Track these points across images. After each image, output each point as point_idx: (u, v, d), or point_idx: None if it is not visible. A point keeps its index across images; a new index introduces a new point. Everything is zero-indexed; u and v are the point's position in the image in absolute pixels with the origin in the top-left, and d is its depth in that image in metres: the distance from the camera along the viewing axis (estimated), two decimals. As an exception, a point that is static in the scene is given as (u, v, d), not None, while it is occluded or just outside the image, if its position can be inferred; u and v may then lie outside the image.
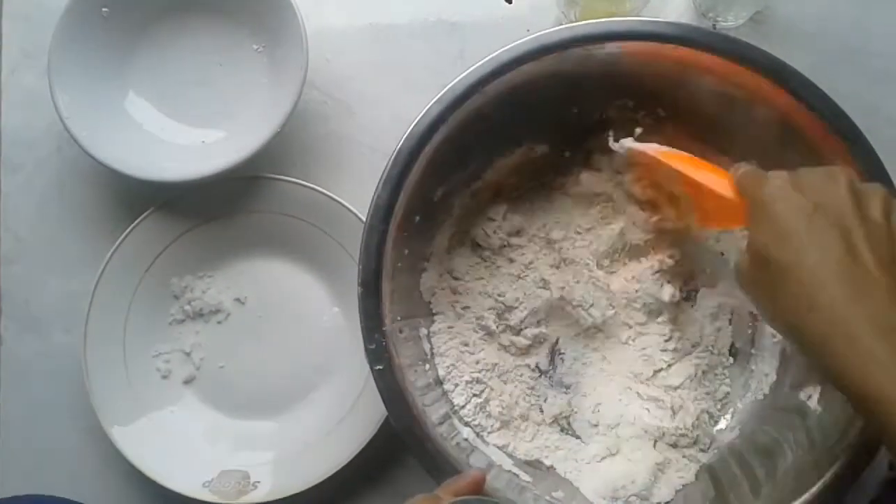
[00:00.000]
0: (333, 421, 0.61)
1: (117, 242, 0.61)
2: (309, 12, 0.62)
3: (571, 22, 0.63)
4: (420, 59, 0.67)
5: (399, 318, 0.54)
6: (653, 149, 0.55)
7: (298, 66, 0.60)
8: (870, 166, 0.50)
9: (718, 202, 0.48)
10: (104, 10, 0.62)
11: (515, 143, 0.60)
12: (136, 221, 0.62)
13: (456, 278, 0.60)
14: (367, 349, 0.51)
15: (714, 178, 0.50)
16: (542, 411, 0.60)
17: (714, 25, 0.66)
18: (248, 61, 0.65)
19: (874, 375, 0.37)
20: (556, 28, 0.52)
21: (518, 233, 0.61)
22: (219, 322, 0.64)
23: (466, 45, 0.67)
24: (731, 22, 0.65)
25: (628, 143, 0.56)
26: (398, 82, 0.67)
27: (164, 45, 0.65)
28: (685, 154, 0.53)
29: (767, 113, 0.53)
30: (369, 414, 0.59)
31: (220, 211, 0.63)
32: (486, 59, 0.51)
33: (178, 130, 0.64)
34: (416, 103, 0.52)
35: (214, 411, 0.63)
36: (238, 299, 0.64)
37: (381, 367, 0.51)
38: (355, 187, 0.63)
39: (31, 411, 0.65)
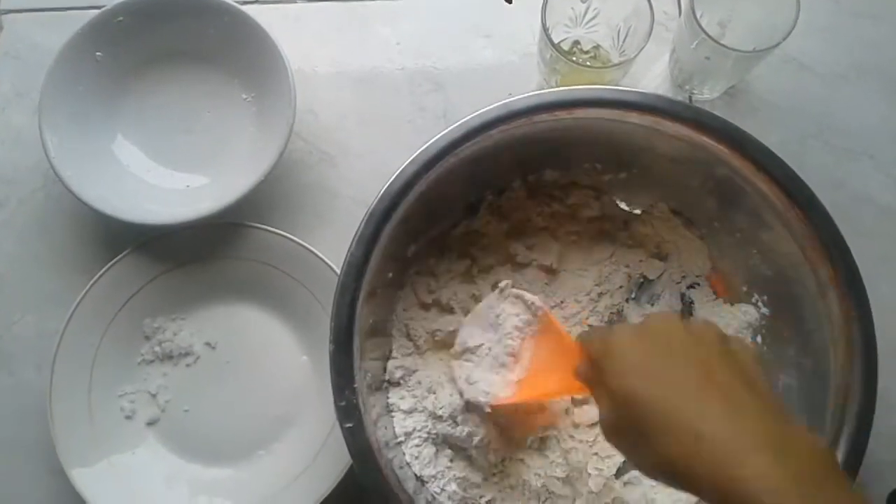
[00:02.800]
0: (294, 473, 0.60)
1: (91, 281, 0.62)
2: (298, 64, 0.64)
3: (552, 87, 0.65)
4: (404, 114, 0.69)
5: (369, 374, 0.54)
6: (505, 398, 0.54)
7: (285, 117, 0.62)
8: (826, 231, 0.52)
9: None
10: (98, 54, 0.64)
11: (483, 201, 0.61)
12: (113, 261, 0.62)
13: (417, 345, 0.61)
14: (337, 406, 0.51)
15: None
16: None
17: (690, 97, 0.68)
18: (237, 110, 0.66)
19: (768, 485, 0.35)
20: (526, 95, 0.53)
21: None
22: (187, 365, 0.64)
23: (450, 104, 0.69)
24: (706, 95, 0.67)
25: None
26: (382, 136, 0.69)
27: (155, 91, 0.66)
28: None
29: (726, 177, 0.55)
30: (331, 466, 0.58)
31: (198, 255, 0.63)
32: (458, 122, 0.53)
33: (163, 174, 0.66)
34: (398, 158, 0.53)
35: (175, 456, 0.62)
36: (209, 343, 0.64)
37: (350, 425, 0.50)
38: (335, 237, 0.64)
39: (-5, 449, 0.64)
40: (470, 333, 0.57)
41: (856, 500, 0.36)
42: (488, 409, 0.54)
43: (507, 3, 0.71)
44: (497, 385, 0.55)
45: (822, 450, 0.37)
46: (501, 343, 0.55)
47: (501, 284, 0.56)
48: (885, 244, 0.65)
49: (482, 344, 0.56)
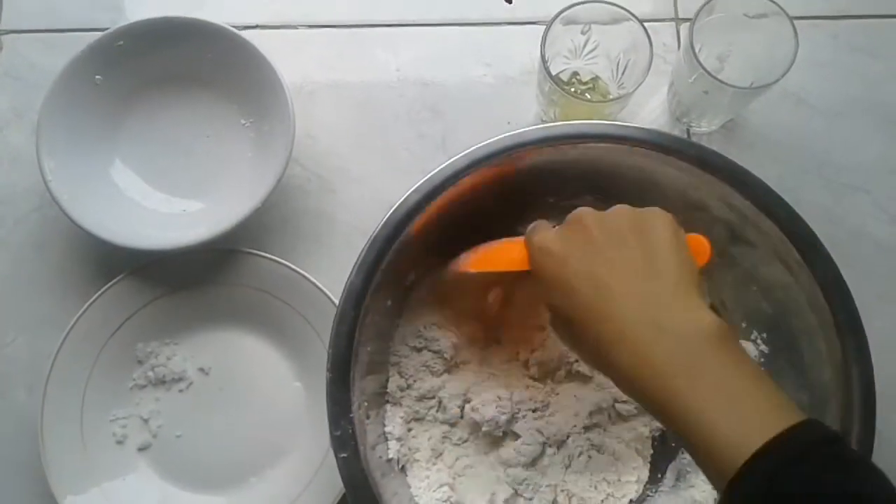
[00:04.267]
0: (288, 499, 0.59)
1: (86, 305, 0.61)
2: (297, 89, 0.64)
3: (551, 120, 0.65)
4: (403, 142, 0.69)
5: (366, 403, 0.54)
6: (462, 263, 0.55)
7: (284, 143, 0.62)
8: (828, 275, 0.52)
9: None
10: (97, 77, 0.64)
11: (489, 231, 0.61)
12: (108, 285, 0.62)
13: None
14: (332, 435, 0.50)
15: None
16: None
17: (688, 131, 0.68)
18: (235, 135, 0.66)
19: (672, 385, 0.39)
20: (532, 128, 0.54)
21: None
22: (180, 391, 0.63)
23: (449, 132, 0.69)
24: (704, 128, 0.68)
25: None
26: (381, 163, 0.69)
27: (153, 115, 0.66)
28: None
29: (728, 215, 0.55)
30: (324, 493, 0.58)
31: (193, 280, 0.63)
32: (463, 153, 0.53)
33: (160, 199, 0.65)
34: (397, 185, 0.53)
35: (167, 482, 0.62)
36: (202, 369, 0.64)
37: (345, 455, 0.50)
38: (331, 264, 0.64)
39: (-17, 472, 0.64)
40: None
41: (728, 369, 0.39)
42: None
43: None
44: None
45: (707, 325, 0.40)
46: None
47: None
48: (881, 280, 0.65)
49: None
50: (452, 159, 0.53)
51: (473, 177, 0.54)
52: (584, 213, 0.46)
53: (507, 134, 0.53)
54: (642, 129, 0.54)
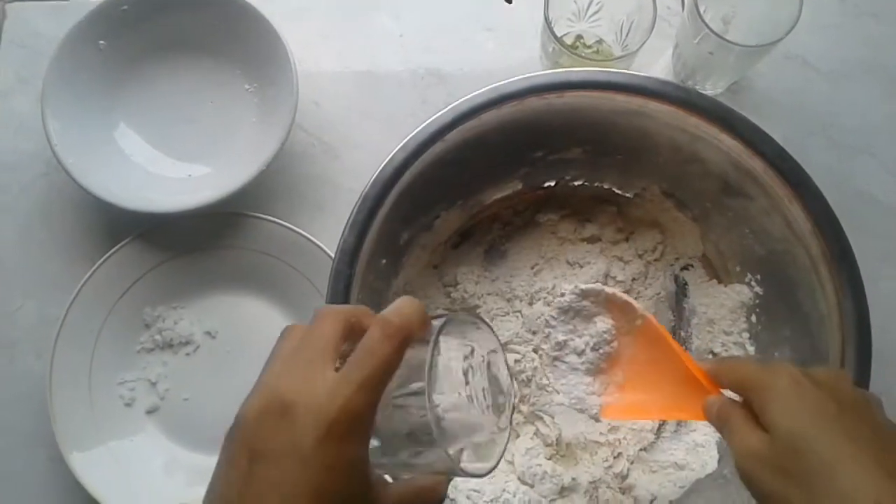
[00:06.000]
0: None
1: (93, 269, 0.62)
2: (301, 56, 0.64)
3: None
4: (407, 107, 0.69)
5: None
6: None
7: (288, 108, 0.62)
8: (817, 207, 0.51)
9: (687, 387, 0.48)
10: (101, 42, 0.64)
11: (478, 188, 0.62)
12: (114, 249, 0.62)
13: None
14: None
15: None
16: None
17: (692, 93, 0.68)
18: (239, 100, 0.66)
19: None
20: (515, 78, 0.53)
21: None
22: (187, 354, 0.64)
23: (452, 96, 0.68)
24: (709, 90, 0.67)
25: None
26: (384, 129, 0.68)
27: (158, 80, 0.66)
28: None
29: (717, 157, 0.55)
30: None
31: (199, 244, 0.64)
32: (447, 108, 0.53)
33: (165, 163, 0.66)
34: (400, 151, 0.53)
35: (174, 444, 0.62)
36: (209, 332, 0.64)
37: None
38: (336, 228, 0.62)
39: (-7, 434, 0.64)
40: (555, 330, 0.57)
41: None
42: (599, 420, 0.54)
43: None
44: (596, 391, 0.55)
45: None
46: (595, 348, 0.55)
47: (595, 286, 0.55)
48: (887, 242, 0.65)
49: (569, 340, 0.56)
50: (437, 114, 0.53)
51: (460, 131, 0.53)
52: (834, 372, 0.42)
53: (492, 86, 0.53)
54: (626, 73, 0.53)
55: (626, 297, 0.54)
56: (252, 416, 0.32)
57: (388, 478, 0.38)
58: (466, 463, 0.36)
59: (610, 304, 0.55)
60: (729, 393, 0.44)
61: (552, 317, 0.56)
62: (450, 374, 0.37)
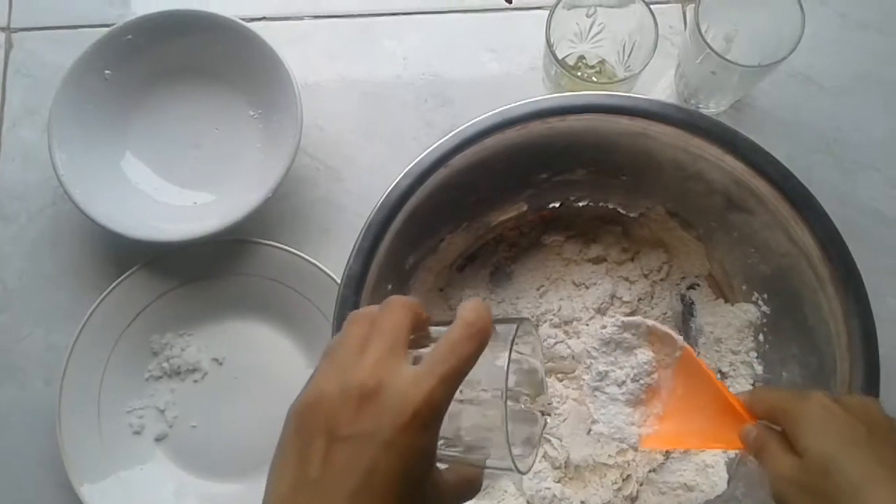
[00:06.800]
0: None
1: (101, 297, 0.62)
2: (305, 79, 0.65)
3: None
4: (411, 129, 0.69)
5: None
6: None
7: (292, 133, 0.62)
8: (822, 228, 0.51)
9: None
10: (107, 72, 0.64)
11: (483, 210, 0.62)
12: (122, 277, 0.63)
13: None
14: None
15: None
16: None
17: (695, 111, 0.68)
18: (244, 127, 0.67)
19: None
20: (518, 103, 0.53)
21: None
22: (195, 381, 0.64)
23: (457, 117, 0.69)
24: (712, 109, 0.67)
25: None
26: (389, 152, 0.69)
27: (163, 108, 0.67)
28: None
29: (721, 178, 0.55)
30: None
31: (205, 272, 0.64)
32: (451, 133, 0.53)
33: (171, 192, 0.66)
34: (405, 174, 0.53)
35: (183, 471, 0.63)
36: (216, 359, 0.64)
37: None
38: (341, 253, 0.63)
39: (2, 462, 0.65)
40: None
41: None
42: (638, 449, 0.55)
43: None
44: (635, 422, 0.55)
45: None
46: (635, 379, 0.55)
47: (636, 319, 0.56)
48: (893, 256, 0.65)
49: (610, 371, 0.56)
50: (441, 140, 0.53)
51: (464, 156, 0.54)
52: (865, 399, 0.44)
53: (495, 111, 0.53)
54: (629, 96, 0.53)
55: (666, 328, 0.54)
56: (331, 398, 0.33)
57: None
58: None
59: (651, 336, 0.55)
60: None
61: (594, 348, 0.56)
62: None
